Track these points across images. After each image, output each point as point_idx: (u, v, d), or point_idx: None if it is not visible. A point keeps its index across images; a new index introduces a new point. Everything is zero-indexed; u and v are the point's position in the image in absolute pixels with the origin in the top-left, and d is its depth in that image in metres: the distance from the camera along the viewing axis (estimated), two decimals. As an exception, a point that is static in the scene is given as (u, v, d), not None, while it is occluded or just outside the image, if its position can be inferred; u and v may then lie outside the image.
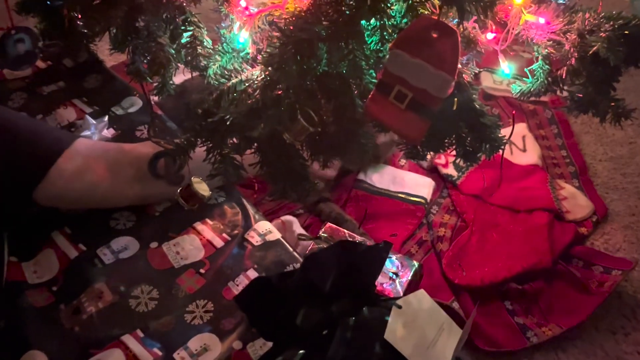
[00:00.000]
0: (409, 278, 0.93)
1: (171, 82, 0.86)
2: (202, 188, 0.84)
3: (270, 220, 1.05)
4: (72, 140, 0.93)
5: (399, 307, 0.75)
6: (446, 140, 0.75)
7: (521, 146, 1.28)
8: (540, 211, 1.14)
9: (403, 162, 1.28)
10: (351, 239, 0.97)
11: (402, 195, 1.18)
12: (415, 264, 0.95)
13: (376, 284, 0.90)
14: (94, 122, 1.15)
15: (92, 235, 0.94)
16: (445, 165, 1.24)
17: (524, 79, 0.88)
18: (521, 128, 1.32)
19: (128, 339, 0.81)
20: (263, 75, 0.67)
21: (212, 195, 1.03)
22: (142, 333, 0.82)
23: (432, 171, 1.25)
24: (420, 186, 1.20)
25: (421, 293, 0.77)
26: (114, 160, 0.94)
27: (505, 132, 1.31)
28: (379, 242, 0.78)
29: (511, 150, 1.28)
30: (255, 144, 0.78)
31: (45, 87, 1.28)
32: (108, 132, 1.15)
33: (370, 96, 0.70)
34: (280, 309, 0.72)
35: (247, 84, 0.73)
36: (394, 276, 0.93)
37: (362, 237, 1.04)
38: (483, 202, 1.19)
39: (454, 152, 1.24)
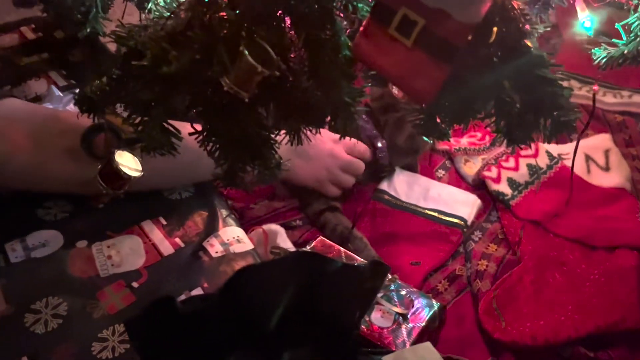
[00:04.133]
0: (423, 324, 0.64)
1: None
2: (130, 165, 0.59)
3: (249, 229, 0.79)
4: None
5: (387, 367, 0.47)
6: (479, 106, 0.47)
7: (603, 163, 0.96)
8: (627, 250, 0.82)
9: (441, 173, 0.99)
10: (347, 262, 0.69)
11: (434, 214, 0.89)
12: (435, 304, 0.66)
13: (364, 326, 0.62)
14: (60, 94, 0.95)
15: (7, 225, 0.72)
16: (497, 180, 0.94)
17: (612, 40, 0.60)
18: (604, 140, 1.00)
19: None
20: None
21: (178, 190, 0.79)
22: (24, 363, 0.58)
23: (479, 187, 0.96)
24: (459, 204, 0.90)
25: (425, 348, 0.49)
26: (41, 126, 0.71)
27: (582, 144, 1.01)
28: (374, 262, 0.50)
29: (588, 167, 0.96)
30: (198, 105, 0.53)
31: (26, 57, 1.11)
32: (75, 110, 0.94)
33: (361, 28, 0.46)
34: (192, 352, 0.45)
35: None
36: (400, 318, 0.64)
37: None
38: (545, 232, 0.88)
39: (507, 164, 0.95)
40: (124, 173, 0.59)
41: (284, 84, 0.49)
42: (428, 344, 0.48)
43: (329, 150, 0.87)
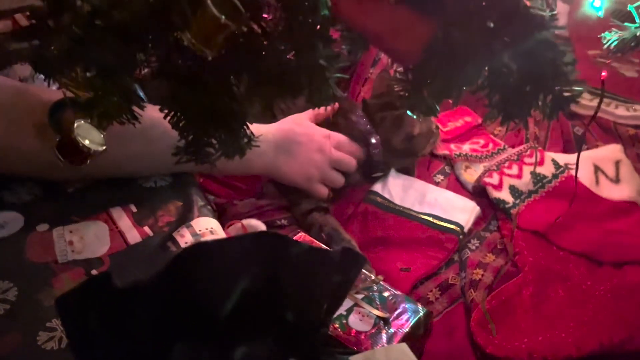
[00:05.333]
0: (407, 330, 0.58)
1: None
2: (91, 138, 0.54)
3: (226, 223, 0.74)
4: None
5: (354, 369, 0.41)
6: (470, 76, 0.42)
7: (612, 175, 0.90)
8: (636, 266, 0.76)
9: (440, 178, 0.93)
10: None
11: (429, 218, 0.83)
12: (422, 310, 0.60)
13: (340, 329, 0.56)
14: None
15: (-34, 205, 0.67)
16: (499, 187, 0.88)
17: (625, 24, 0.54)
18: (614, 151, 0.94)
19: None
20: None
21: (153, 178, 0.74)
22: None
23: (480, 195, 0.90)
24: (457, 210, 0.84)
25: (400, 350, 0.42)
26: (9, 101, 0.67)
27: (591, 154, 0.95)
28: (347, 250, 0.44)
29: (597, 179, 0.90)
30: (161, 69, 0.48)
31: (15, 44, 1.07)
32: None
33: (340, -17, 0.40)
34: (128, 338, 0.40)
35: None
36: (381, 323, 0.58)
37: (364, 271, 0.69)
38: (548, 244, 0.81)
39: (510, 171, 0.89)
40: (83, 145, 0.54)
41: (255, 46, 0.45)
42: (403, 346, 0.42)
43: (318, 146, 0.82)
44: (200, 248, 0.40)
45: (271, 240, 0.42)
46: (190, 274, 0.40)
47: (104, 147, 0.57)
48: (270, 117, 0.48)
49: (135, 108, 0.48)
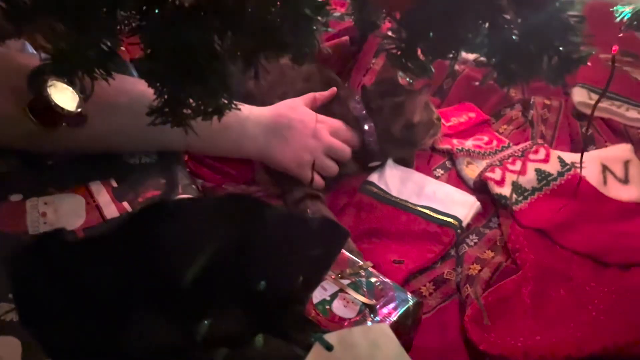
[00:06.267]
0: (394, 319, 0.53)
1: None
2: (65, 98, 0.51)
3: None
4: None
5: (328, 347, 0.37)
6: (470, 30, 0.38)
7: (621, 174, 0.86)
8: (644, 268, 0.71)
9: (440, 172, 0.89)
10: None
11: (426, 211, 0.79)
12: (411, 299, 0.56)
13: (322, 314, 0.52)
14: (33, 51, 0.88)
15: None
16: (501, 183, 0.84)
17: None
18: (624, 150, 0.90)
19: None
20: None
21: (139, 155, 0.71)
22: None
23: (481, 191, 0.85)
24: (456, 204, 0.80)
25: (380, 330, 0.38)
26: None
27: (600, 153, 0.91)
28: (323, 219, 0.41)
29: (604, 179, 0.86)
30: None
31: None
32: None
33: None
34: (82, 301, 0.36)
35: None
36: (367, 310, 0.54)
37: (353, 256, 0.65)
38: (551, 243, 0.77)
39: (513, 167, 0.85)
40: (56, 105, 0.51)
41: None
42: (384, 326, 0.38)
43: (312, 130, 0.78)
44: (165, 206, 0.36)
45: (244, 203, 0.38)
46: (152, 233, 0.36)
47: (79, 110, 0.53)
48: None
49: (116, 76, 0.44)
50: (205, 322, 0.38)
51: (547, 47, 0.37)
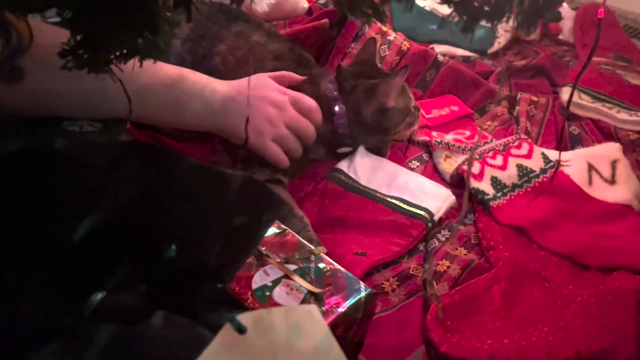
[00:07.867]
0: (342, 310, 0.47)
1: None
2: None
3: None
4: None
5: (240, 329, 0.30)
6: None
7: (608, 174, 0.80)
8: (627, 272, 0.66)
9: (415, 164, 0.83)
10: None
11: (395, 201, 0.73)
12: (364, 290, 0.50)
13: (260, 301, 0.46)
14: None
15: None
16: (479, 177, 0.78)
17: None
18: (612, 149, 0.84)
19: None
20: None
21: (81, 122, 0.65)
22: None
23: (458, 186, 0.80)
24: (428, 195, 0.74)
25: (307, 313, 0.32)
26: None
27: (586, 152, 0.85)
28: (246, 178, 0.34)
29: (590, 178, 0.80)
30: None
31: None
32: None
33: None
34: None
35: None
36: (312, 299, 0.47)
37: (311, 245, 0.59)
38: (529, 242, 0.71)
39: (494, 162, 0.80)
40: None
41: None
42: (312, 307, 0.32)
43: (272, 99, 0.72)
44: (47, 149, 0.30)
45: (152, 151, 0.32)
46: (33, 182, 0.30)
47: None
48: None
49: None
50: (99, 294, 0.32)
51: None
